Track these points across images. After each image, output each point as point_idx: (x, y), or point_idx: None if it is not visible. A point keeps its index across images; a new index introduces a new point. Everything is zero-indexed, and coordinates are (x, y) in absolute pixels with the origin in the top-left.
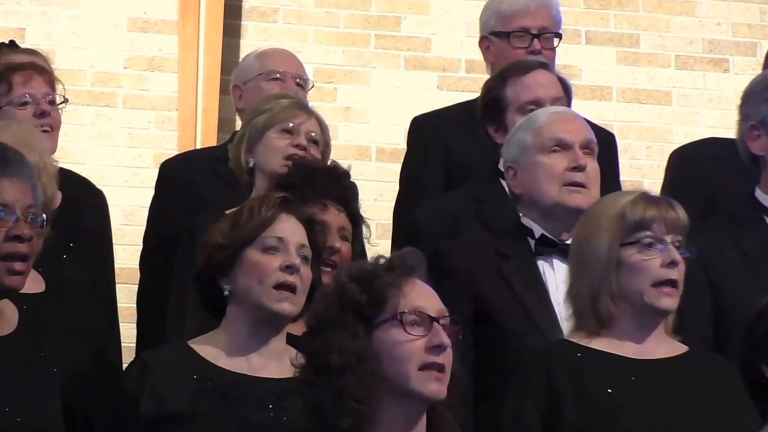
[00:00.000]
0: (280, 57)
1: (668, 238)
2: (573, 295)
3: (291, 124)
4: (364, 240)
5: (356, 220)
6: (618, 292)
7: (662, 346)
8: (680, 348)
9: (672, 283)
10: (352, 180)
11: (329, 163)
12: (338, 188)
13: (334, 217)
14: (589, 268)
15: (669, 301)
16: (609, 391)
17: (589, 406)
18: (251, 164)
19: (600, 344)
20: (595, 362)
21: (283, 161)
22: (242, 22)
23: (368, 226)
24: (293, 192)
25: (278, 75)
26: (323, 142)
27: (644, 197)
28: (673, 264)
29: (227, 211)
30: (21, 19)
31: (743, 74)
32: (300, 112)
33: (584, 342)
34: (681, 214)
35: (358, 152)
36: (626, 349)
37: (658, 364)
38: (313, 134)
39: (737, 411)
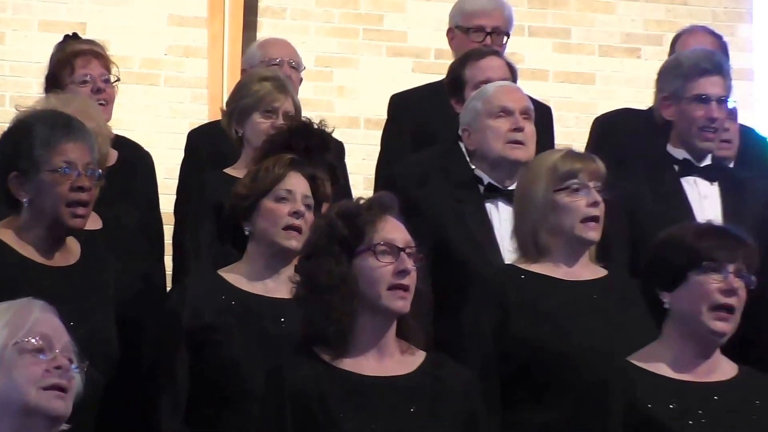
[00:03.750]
0: (276, 46)
1: (591, 184)
2: (517, 231)
3: (272, 107)
4: None
5: (336, 180)
6: (553, 227)
7: (587, 270)
8: (602, 272)
9: (595, 218)
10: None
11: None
12: (327, 156)
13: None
14: (530, 210)
15: (594, 233)
16: (546, 303)
17: (531, 316)
18: (240, 134)
19: (538, 269)
20: (536, 282)
21: None
22: (258, 19)
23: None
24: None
25: (276, 61)
26: (297, 115)
27: (571, 153)
28: (595, 204)
29: (226, 170)
30: (83, 15)
31: (652, 60)
32: (280, 95)
33: (526, 267)
34: (600, 165)
35: (349, 122)
36: (559, 272)
37: (585, 284)
38: (289, 112)
39: (642, 323)
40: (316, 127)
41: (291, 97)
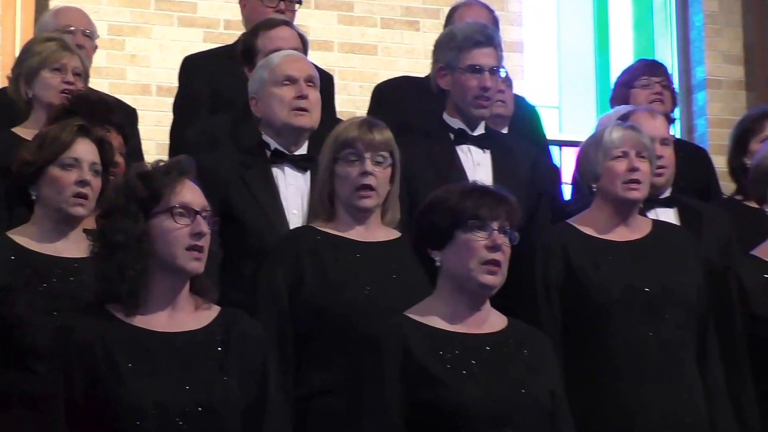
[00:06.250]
0: (70, 14)
1: (367, 155)
2: (311, 194)
3: (60, 64)
4: None
5: (128, 139)
6: (334, 194)
7: (381, 231)
8: (395, 234)
9: (367, 187)
10: (126, 105)
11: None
12: (116, 116)
13: (114, 139)
14: (319, 177)
15: (367, 201)
16: (338, 261)
17: (323, 273)
18: (30, 95)
19: (333, 230)
20: (330, 243)
21: (59, 94)
22: None
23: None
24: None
25: (70, 29)
26: (84, 74)
27: (355, 121)
28: (365, 174)
29: (14, 129)
30: None
31: (430, 33)
32: (66, 52)
33: (321, 228)
34: (377, 134)
35: (141, 89)
36: (353, 233)
37: (377, 245)
38: (77, 69)
39: (422, 280)
40: (95, 94)
41: (77, 54)
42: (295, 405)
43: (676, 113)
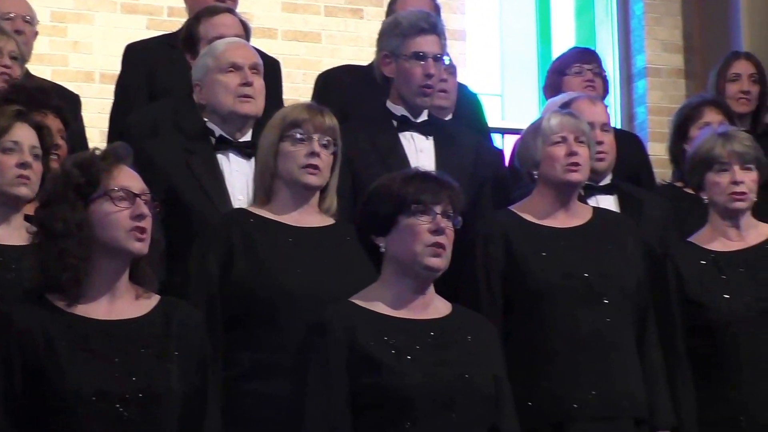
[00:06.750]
0: (8, 1)
1: (315, 137)
2: (254, 178)
3: None
4: None
5: (68, 123)
6: (277, 173)
7: (315, 218)
8: (329, 221)
9: (313, 166)
10: (68, 92)
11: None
12: (53, 100)
13: (53, 122)
14: (261, 156)
15: (313, 178)
16: (269, 247)
17: (254, 256)
18: None
19: (267, 213)
20: (263, 226)
21: None
22: None
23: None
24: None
25: (9, 15)
26: (21, 58)
27: (302, 104)
28: (313, 154)
29: None
30: None
31: (374, 20)
32: (1, 36)
33: (256, 211)
34: (327, 119)
35: (85, 76)
36: (288, 218)
37: (311, 230)
38: (13, 53)
39: (364, 266)
40: (32, 81)
41: (13, 38)
42: (224, 386)
43: (616, 101)
